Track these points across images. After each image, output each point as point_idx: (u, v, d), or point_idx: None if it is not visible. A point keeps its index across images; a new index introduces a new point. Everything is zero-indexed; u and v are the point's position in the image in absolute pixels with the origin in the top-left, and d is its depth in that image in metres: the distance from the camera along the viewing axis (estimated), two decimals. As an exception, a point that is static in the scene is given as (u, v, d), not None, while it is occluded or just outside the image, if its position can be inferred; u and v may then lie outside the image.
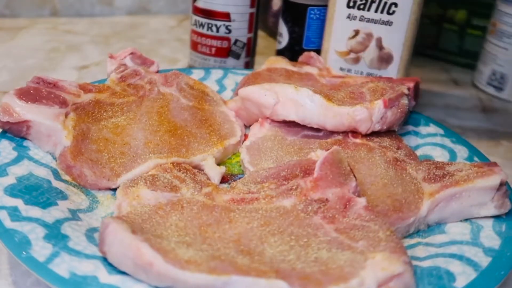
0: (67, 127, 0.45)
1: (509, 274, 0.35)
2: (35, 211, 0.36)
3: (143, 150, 0.45)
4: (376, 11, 0.60)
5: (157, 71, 0.58)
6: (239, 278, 0.30)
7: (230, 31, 0.67)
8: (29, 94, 0.45)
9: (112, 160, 0.44)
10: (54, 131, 0.44)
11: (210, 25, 0.67)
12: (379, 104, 0.48)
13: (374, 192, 0.42)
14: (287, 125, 0.51)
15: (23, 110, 0.43)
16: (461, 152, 0.50)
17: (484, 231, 0.39)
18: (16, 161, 0.42)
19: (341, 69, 0.64)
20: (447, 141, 0.52)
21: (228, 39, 0.68)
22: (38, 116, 0.44)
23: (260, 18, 0.72)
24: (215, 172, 0.45)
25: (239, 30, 0.68)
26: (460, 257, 0.36)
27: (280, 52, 0.71)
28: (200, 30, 0.68)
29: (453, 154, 0.50)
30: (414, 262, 0.36)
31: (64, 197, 0.40)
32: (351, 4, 0.60)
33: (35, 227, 0.35)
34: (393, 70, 0.61)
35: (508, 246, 0.37)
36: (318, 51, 0.66)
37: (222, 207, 0.38)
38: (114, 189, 0.43)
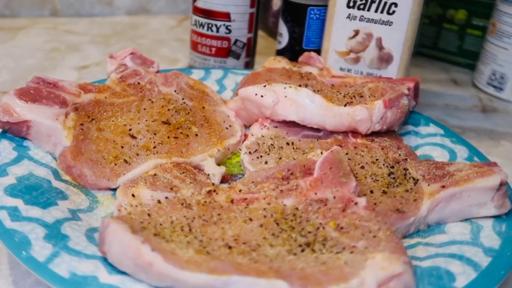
0: (67, 127, 0.45)
1: (509, 274, 0.35)
2: (35, 211, 0.36)
3: (143, 150, 0.45)
4: (376, 11, 0.60)
5: (157, 71, 0.58)
6: (239, 278, 0.30)
7: (230, 31, 0.67)
8: (29, 94, 0.45)
9: (112, 160, 0.44)
10: (54, 131, 0.44)
11: (210, 25, 0.67)
12: (379, 104, 0.48)
13: (374, 192, 0.42)
14: (287, 125, 0.51)
15: (23, 110, 0.43)
16: (461, 152, 0.50)
17: (484, 231, 0.39)
18: (16, 161, 0.42)
19: (341, 69, 0.64)
20: (447, 141, 0.52)
21: (228, 39, 0.68)
22: (38, 116, 0.44)
23: (260, 18, 0.72)
24: (215, 172, 0.45)
25: (239, 30, 0.68)
26: (460, 257, 0.36)
27: (280, 52, 0.71)
28: (200, 30, 0.68)
29: (453, 154, 0.50)
30: (414, 262, 0.36)
31: (64, 197, 0.40)
32: (351, 4, 0.60)
33: (35, 227, 0.34)
34: (393, 70, 0.61)
35: (508, 246, 0.37)
36: (318, 51, 0.66)
37: (222, 207, 0.38)
38: (114, 189, 0.43)
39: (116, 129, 0.47)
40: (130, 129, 0.47)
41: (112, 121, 0.48)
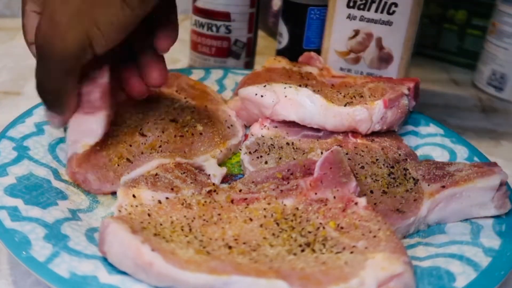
0: None
1: (509, 274, 0.35)
2: (35, 211, 0.36)
3: (148, 149, 0.45)
4: (376, 11, 0.60)
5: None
6: (239, 278, 0.30)
7: (230, 31, 0.67)
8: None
9: (116, 161, 0.43)
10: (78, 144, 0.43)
11: (210, 25, 0.67)
12: (379, 104, 0.48)
13: (374, 192, 0.42)
14: (287, 125, 0.51)
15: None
16: (461, 152, 0.50)
17: (484, 231, 0.39)
18: (16, 161, 0.42)
19: (341, 69, 0.64)
20: (447, 141, 0.52)
21: (228, 39, 0.68)
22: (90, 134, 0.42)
23: (260, 18, 0.72)
24: (216, 173, 0.45)
25: (239, 30, 0.68)
26: (460, 257, 0.36)
27: (280, 52, 0.71)
28: (200, 30, 0.68)
29: (453, 154, 0.50)
30: (414, 262, 0.36)
31: (64, 197, 0.40)
32: (351, 4, 0.60)
33: (35, 227, 0.34)
34: (393, 70, 0.61)
35: (508, 246, 0.37)
36: (318, 51, 0.66)
37: (222, 207, 0.38)
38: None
39: (128, 131, 0.47)
40: (140, 129, 0.47)
41: (124, 124, 0.47)
